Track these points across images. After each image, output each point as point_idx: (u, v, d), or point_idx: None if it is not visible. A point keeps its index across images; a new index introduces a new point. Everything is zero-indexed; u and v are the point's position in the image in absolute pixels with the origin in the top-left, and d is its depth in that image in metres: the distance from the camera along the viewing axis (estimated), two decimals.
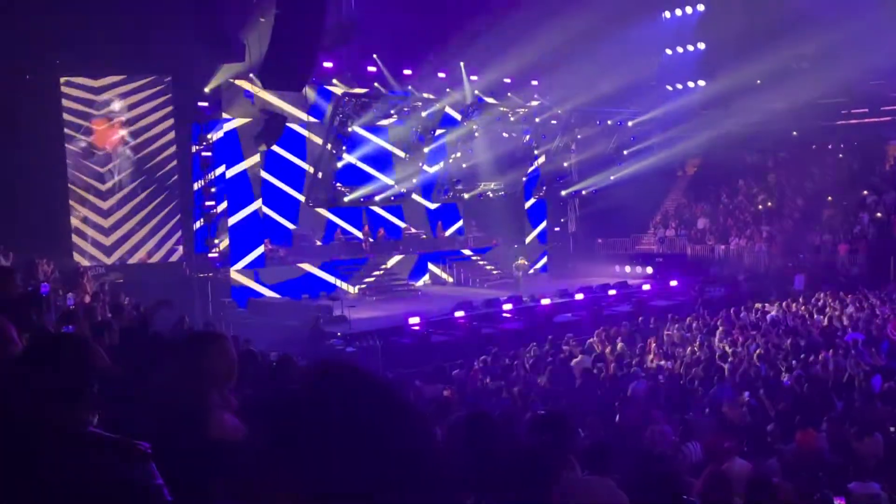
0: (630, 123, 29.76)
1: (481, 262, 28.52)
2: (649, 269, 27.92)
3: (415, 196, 27.08)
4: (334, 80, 23.46)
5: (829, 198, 28.22)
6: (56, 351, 2.49)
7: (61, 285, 14.44)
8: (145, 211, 22.91)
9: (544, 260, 30.72)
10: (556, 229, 31.41)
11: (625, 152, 30.18)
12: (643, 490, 4.70)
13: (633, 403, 10.66)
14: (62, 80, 21.76)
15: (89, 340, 2.91)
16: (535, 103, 27.70)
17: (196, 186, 22.46)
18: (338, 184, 24.45)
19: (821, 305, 18.67)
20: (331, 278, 24.33)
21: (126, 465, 2.26)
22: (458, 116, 26.95)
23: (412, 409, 1.19)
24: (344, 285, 24.49)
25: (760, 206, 29.96)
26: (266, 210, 23.77)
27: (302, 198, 24.25)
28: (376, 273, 25.56)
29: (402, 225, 27.52)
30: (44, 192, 20.07)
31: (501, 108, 27.21)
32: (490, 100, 26.79)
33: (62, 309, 8.86)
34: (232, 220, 22.60)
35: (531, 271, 28.38)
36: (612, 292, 23.80)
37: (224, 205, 22.46)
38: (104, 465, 2.26)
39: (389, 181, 26.18)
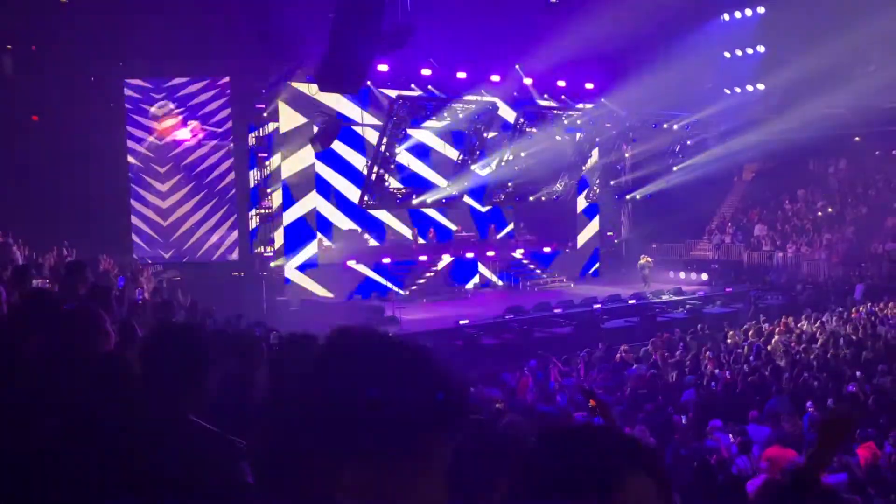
0: (686, 127, 29.27)
1: (532, 266, 28.35)
2: (704, 276, 27.44)
3: (466, 198, 27.05)
4: (389, 83, 23.60)
5: None
6: (178, 341, 2.64)
7: None
8: (203, 210, 23.35)
9: (596, 265, 30.42)
10: (609, 234, 31.05)
11: (680, 156, 29.73)
12: (704, 498, 4.62)
13: (687, 412, 10.51)
14: (125, 81, 22.36)
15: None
16: (589, 106, 27.44)
17: (252, 184, 22.84)
18: (391, 185, 24.54)
19: (883, 316, 18.13)
20: (382, 279, 24.44)
21: (227, 458, 2.34)
22: (511, 119, 26.87)
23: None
24: (395, 286, 24.58)
25: (820, 213, 29.23)
26: (321, 206, 23.97)
27: (356, 196, 24.36)
28: (427, 274, 25.58)
29: (452, 227, 27.53)
30: (105, 190, 20.62)
31: (555, 111, 27.02)
32: (544, 102, 26.65)
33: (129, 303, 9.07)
34: (287, 219, 22.89)
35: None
36: (665, 298, 23.47)
37: (279, 202, 22.79)
38: (208, 452, 2.35)
39: (443, 183, 26.22)
